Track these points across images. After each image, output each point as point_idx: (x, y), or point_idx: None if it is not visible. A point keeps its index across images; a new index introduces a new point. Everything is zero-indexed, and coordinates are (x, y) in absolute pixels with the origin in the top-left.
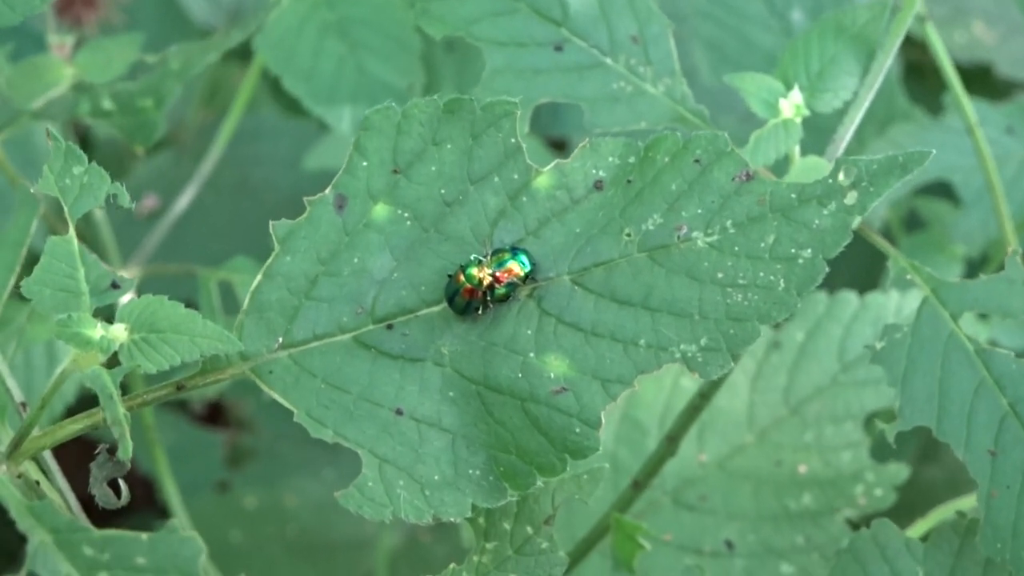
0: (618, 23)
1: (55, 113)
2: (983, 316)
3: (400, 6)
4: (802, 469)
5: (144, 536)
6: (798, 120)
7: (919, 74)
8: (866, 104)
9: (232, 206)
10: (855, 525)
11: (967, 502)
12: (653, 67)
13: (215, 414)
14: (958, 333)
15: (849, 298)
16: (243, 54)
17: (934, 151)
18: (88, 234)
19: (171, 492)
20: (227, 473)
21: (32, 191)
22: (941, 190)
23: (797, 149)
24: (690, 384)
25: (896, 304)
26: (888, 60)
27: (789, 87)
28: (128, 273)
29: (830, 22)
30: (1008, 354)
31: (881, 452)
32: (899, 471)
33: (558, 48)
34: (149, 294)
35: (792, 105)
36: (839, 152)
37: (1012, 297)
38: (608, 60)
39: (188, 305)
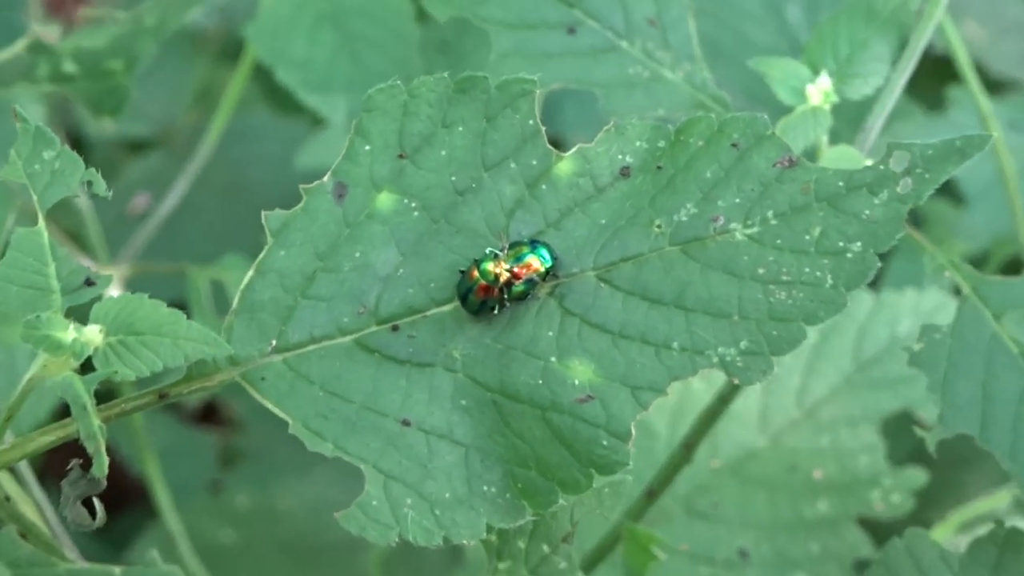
0: (635, 5)
1: (8, 78)
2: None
3: None
4: (817, 474)
5: (117, 571)
6: (827, 107)
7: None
8: (898, 91)
9: (224, 205)
10: (873, 532)
11: (976, 508)
12: (672, 52)
13: (208, 413)
14: (1001, 334)
15: (863, 296)
16: (236, 56)
17: (995, 135)
18: (75, 231)
19: (162, 496)
20: (220, 473)
21: None
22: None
23: (825, 138)
24: (702, 386)
25: (913, 302)
26: (922, 44)
27: (817, 73)
28: (116, 271)
29: (860, 5)
30: None
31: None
32: (917, 476)
33: (571, 30)
34: (130, 292)
35: (820, 91)
36: (871, 141)
37: None
38: (624, 44)
39: (178, 305)
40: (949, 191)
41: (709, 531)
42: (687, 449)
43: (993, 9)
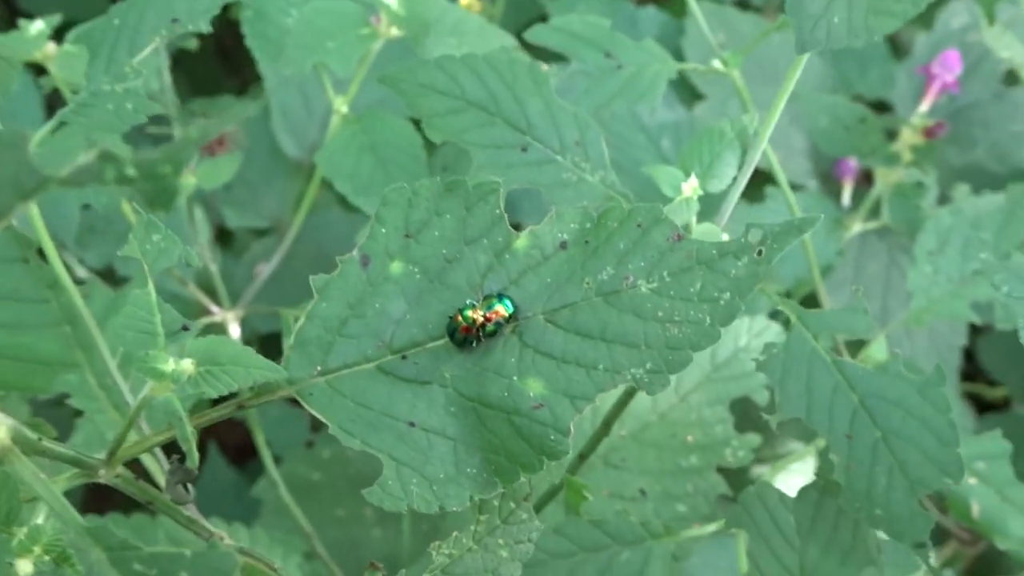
0: (566, 131)
1: (82, 180)
2: None
3: (413, 132)
4: (689, 439)
5: (188, 552)
6: (695, 198)
7: None
8: (742, 185)
9: (309, 270)
10: (726, 475)
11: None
12: (591, 162)
13: None
14: (818, 348)
15: None
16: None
17: (822, 216)
18: (209, 287)
19: (266, 457)
20: (312, 435)
21: (118, 253)
22: None
23: (694, 219)
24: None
25: (748, 325)
26: (758, 155)
27: (688, 174)
28: (236, 312)
29: (715, 130)
30: (855, 363)
31: (740, 425)
32: (754, 439)
33: (523, 149)
34: (212, 335)
35: (691, 187)
36: (724, 221)
37: (856, 321)
38: (559, 158)
39: (275, 335)
40: None
41: (620, 477)
42: (606, 426)
43: (784, 139)
